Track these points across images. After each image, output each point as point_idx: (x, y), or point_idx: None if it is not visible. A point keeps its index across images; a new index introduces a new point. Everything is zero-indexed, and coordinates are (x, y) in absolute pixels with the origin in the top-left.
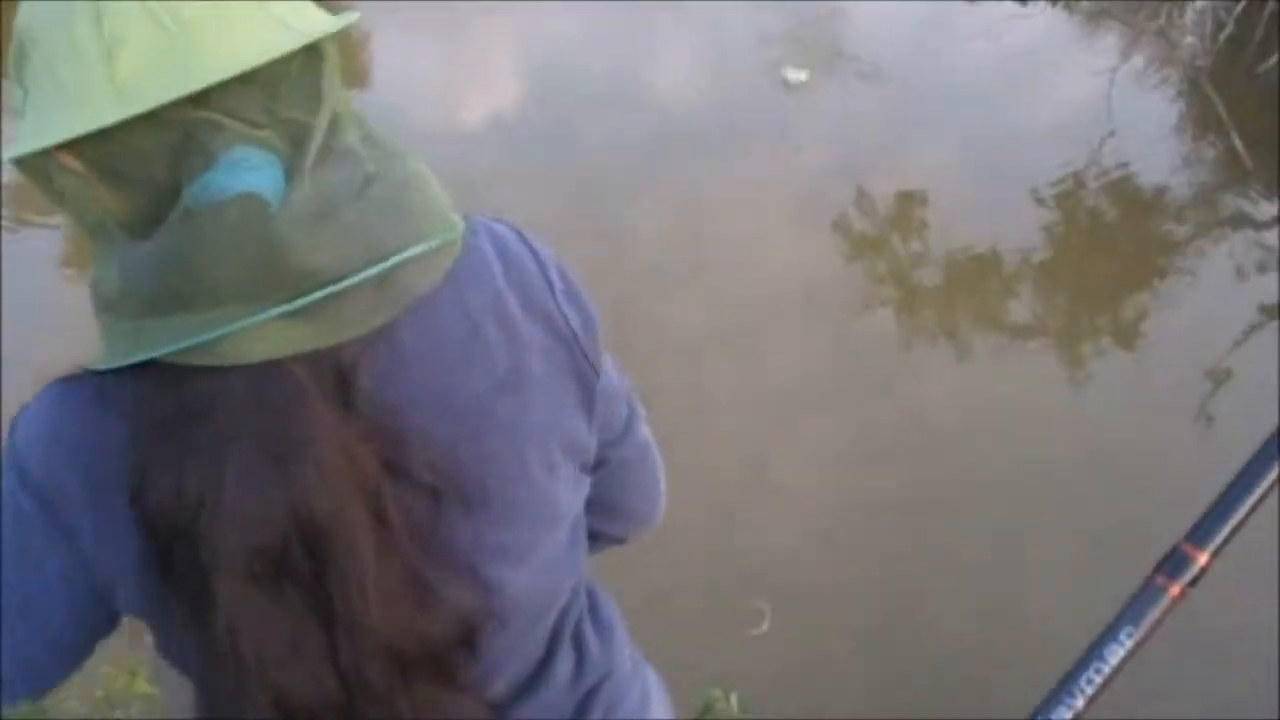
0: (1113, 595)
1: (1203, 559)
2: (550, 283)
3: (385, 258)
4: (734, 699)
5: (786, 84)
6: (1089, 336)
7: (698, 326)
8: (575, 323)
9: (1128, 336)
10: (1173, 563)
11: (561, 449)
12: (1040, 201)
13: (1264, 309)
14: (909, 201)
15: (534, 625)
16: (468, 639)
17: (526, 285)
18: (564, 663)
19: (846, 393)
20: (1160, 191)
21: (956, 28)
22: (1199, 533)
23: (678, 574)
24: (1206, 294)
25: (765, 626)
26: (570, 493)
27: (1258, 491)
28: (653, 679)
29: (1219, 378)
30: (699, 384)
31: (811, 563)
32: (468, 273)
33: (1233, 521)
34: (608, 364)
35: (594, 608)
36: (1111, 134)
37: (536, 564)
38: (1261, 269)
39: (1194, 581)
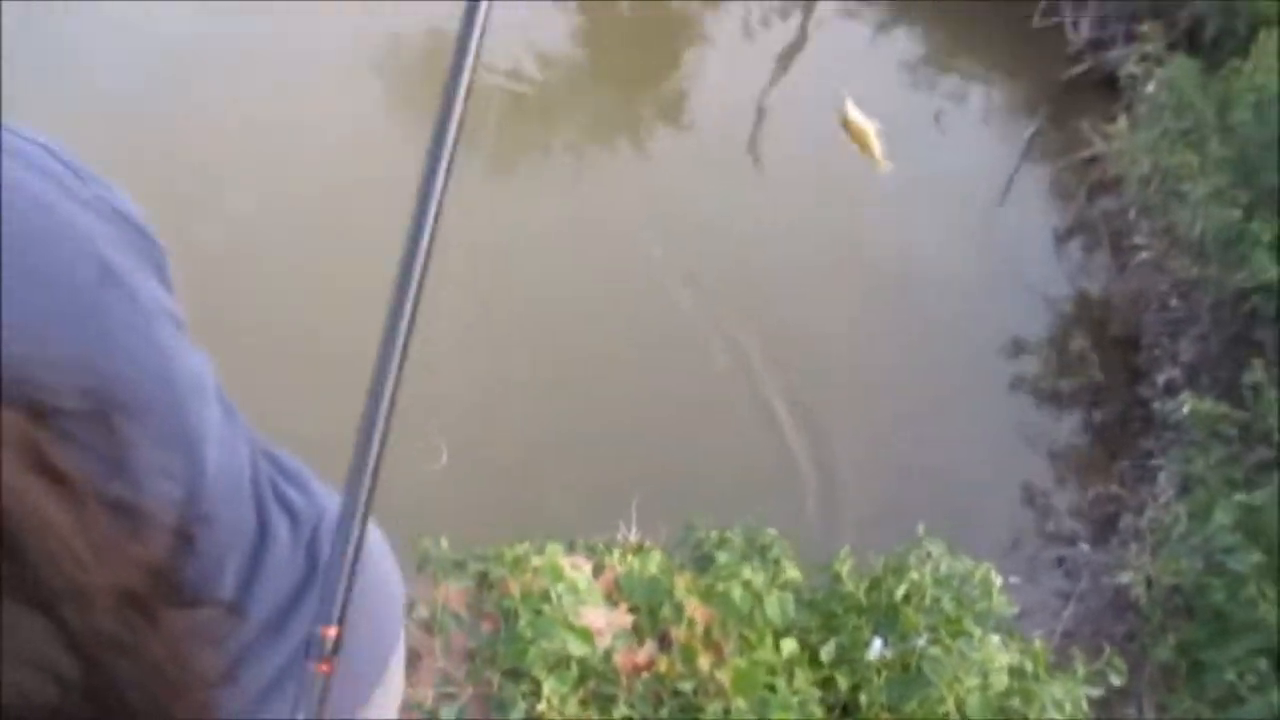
0: None
1: (333, 632)
2: (71, 169)
3: None
4: (444, 541)
5: None
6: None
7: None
8: (113, 199)
9: (669, 117)
10: (312, 647)
11: (172, 321)
12: (561, 7)
13: (777, 56)
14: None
15: (236, 505)
16: (186, 546)
17: (54, 176)
18: (279, 527)
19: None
20: None
21: None
22: (322, 615)
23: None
24: (725, 55)
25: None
26: (200, 358)
27: (350, 552)
28: None
29: (757, 127)
30: None
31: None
32: (6, 184)
33: (341, 590)
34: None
35: (277, 464)
36: None
37: (214, 441)
38: (784, 15)
39: (335, 650)
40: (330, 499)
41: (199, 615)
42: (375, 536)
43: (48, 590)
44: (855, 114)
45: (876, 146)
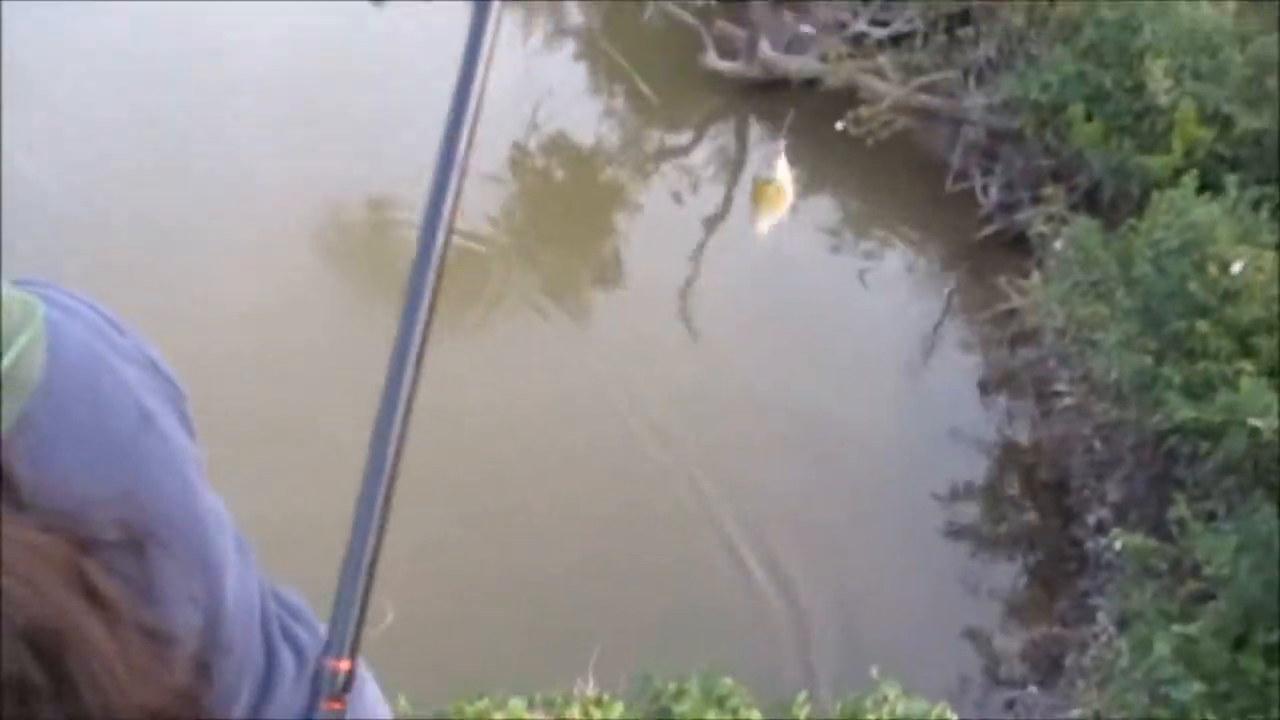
0: None
1: (345, 665)
2: (112, 324)
3: None
4: (403, 699)
5: None
6: (579, 290)
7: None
8: (146, 349)
9: (609, 279)
10: (325, 682)
11: (194, 461)
12: (496, 179)
13: (705, 221)
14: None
15: (249, 638)
16: (207, 674)
17: (100, 331)
18: (285, 661)
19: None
20: (594, 143)
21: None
22: (332, 647)
23: (315, 570)
24: (655, 221)
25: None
26: (217, 498)
27: (361, 581)
28: None
29: (689, 286)
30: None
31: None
32: (57, 336)
33: (355, 619)
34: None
35: (282, 601)
36: (539, 104)
37: (232, 574)
38: (694, 190)
39: (346, 687)
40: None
41: None
42: (370, 679)
43: (86, 709)
44: (784, 172)
45: (785, 204)
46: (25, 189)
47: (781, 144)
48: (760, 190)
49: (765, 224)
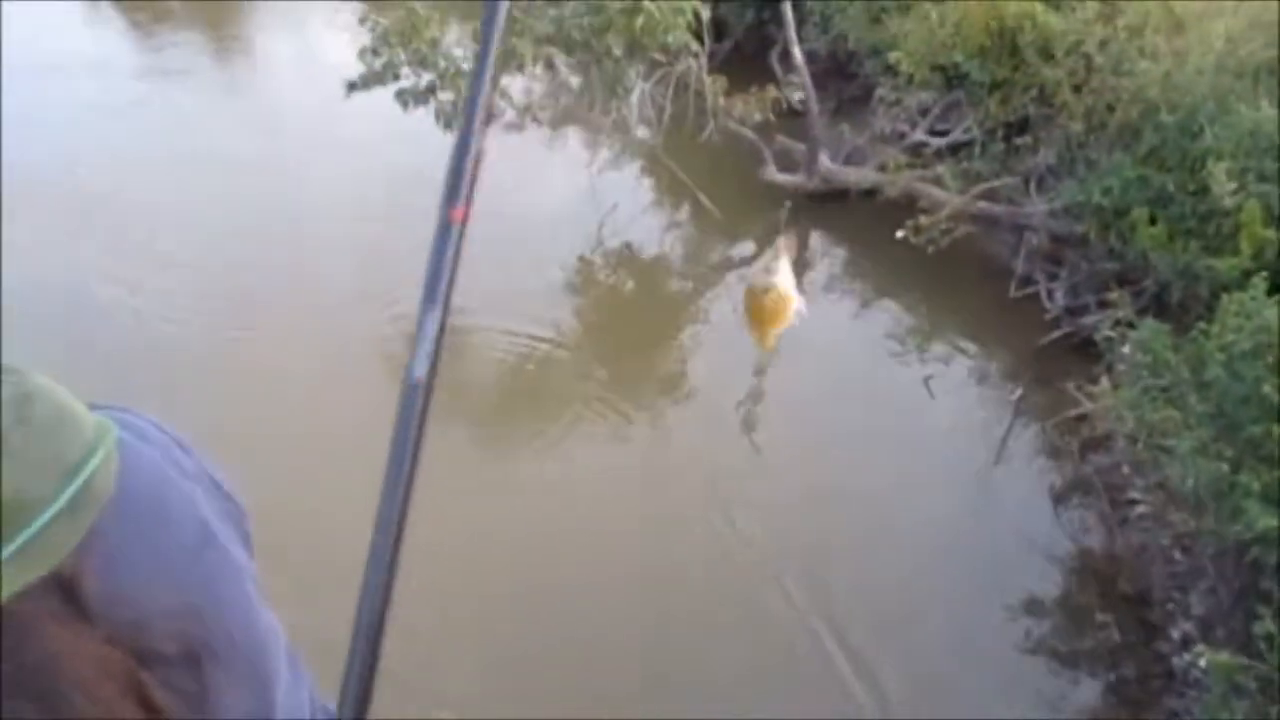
0: None
1: (459, 213)
2: (178, 444)
3: (75, 473)
4: None
5: None
6: (642, 400)
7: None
8: (209, 468)
9: (672, 386)
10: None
11: (253, 579)
12: (570, 287)
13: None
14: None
15: None
16: None
17: (166, 450)
18: None
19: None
20: (658, 256)
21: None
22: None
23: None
24: (718, 331)
25: None
26: (272, 614)
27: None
28: None
29: (755, 399)
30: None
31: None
32: (128, 455)
33: (468, 176)
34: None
35: (327, 712)
36: (604, 219)
37: (283, 688)
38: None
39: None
40: None
41: None
42: None
43: None
44: (786, 275)
45: (790, 311)
46: (103, 313)
47: (780, 242)
48: (757, 301)
49: (771, 339)
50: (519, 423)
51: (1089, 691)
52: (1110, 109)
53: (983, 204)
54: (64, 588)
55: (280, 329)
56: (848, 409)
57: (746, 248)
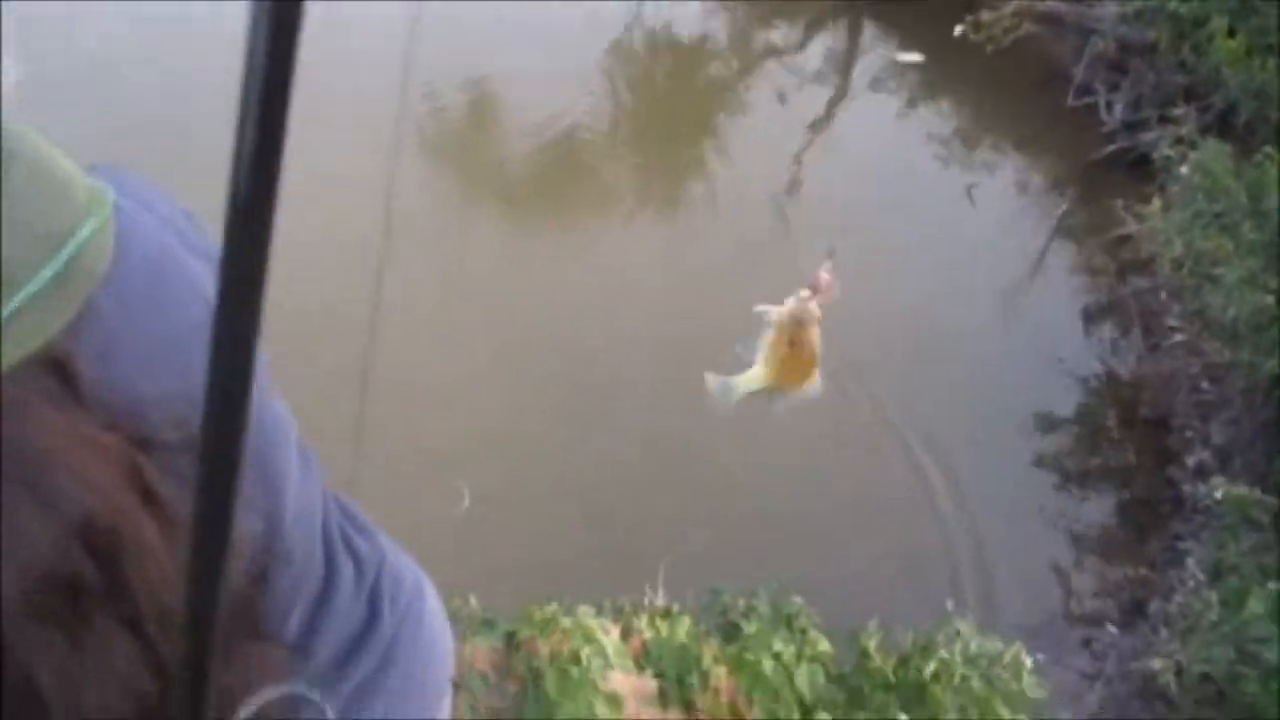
0: None
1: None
2: (188, 218)
3: (62, 243)
4: (473, 599)
5: None
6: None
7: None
8: (213, 242)
9: (702, 174)
10: None
11: (262, 367)
12: (604, 71)
13: (810, 125)
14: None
15: (309, 547)
16: (263, 581)
17: (173, 224)
18: (345, 572)
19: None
20: (701, 39)
21: None
22: None
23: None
24: (758, 122)
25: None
26: (283, 405)
27: None
28: (406, 558)
29: (789, 189)
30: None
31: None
32: (127, 226)
33: None
34: None
35: (345, 511)
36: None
37: (294, 483)
38: (799, 89)
39: None
40: (391, 548)
41: (269, 651)
42: (430, 594)
43: (138, 610)
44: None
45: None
46: None
47: (827, 266)
48: (781, 357)
49: (782, 405)
50: (550, 212)
51: (1095, 509)
52: None
53: (1050, 2)
54: (56, 370)
55: None
56: (888, 217)
57: (794, 35)
